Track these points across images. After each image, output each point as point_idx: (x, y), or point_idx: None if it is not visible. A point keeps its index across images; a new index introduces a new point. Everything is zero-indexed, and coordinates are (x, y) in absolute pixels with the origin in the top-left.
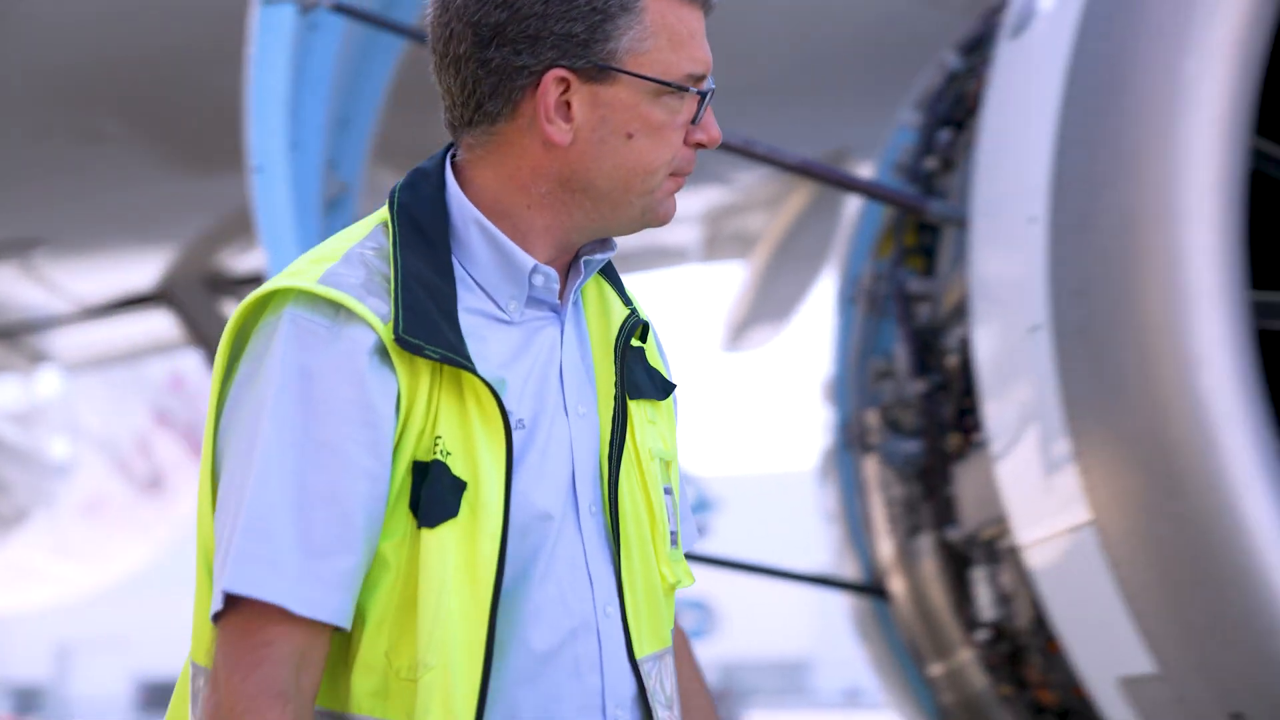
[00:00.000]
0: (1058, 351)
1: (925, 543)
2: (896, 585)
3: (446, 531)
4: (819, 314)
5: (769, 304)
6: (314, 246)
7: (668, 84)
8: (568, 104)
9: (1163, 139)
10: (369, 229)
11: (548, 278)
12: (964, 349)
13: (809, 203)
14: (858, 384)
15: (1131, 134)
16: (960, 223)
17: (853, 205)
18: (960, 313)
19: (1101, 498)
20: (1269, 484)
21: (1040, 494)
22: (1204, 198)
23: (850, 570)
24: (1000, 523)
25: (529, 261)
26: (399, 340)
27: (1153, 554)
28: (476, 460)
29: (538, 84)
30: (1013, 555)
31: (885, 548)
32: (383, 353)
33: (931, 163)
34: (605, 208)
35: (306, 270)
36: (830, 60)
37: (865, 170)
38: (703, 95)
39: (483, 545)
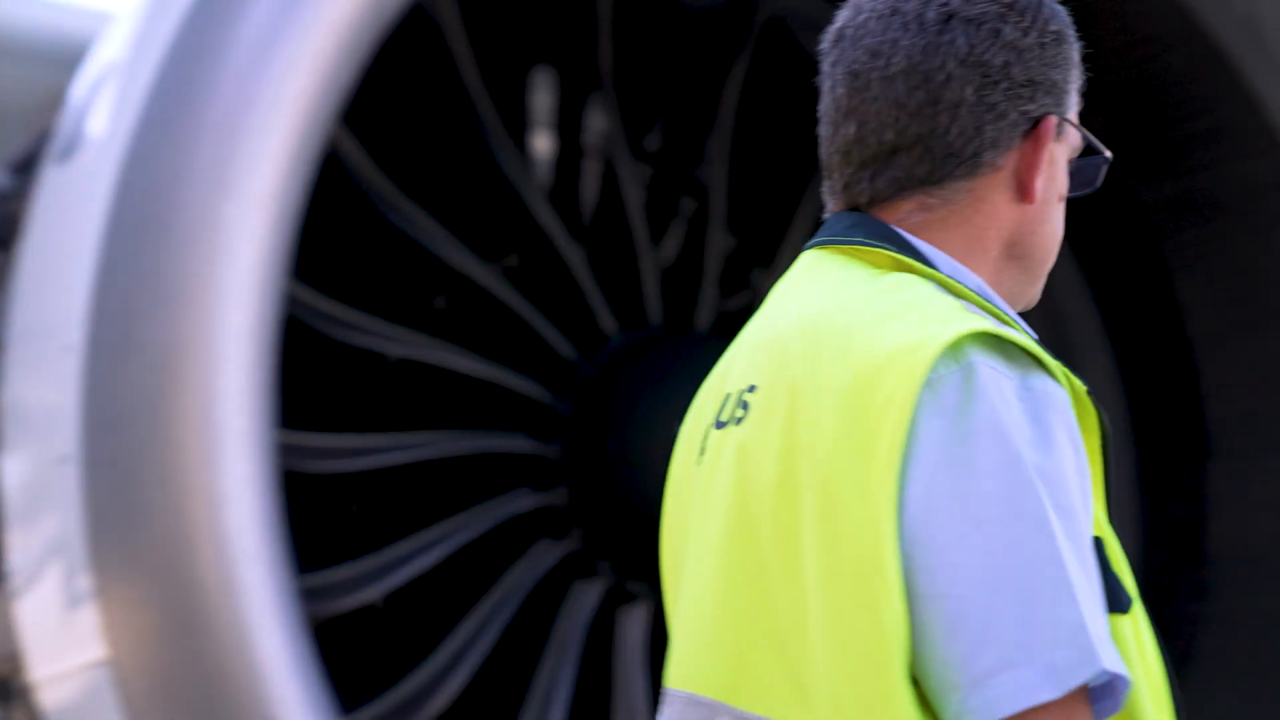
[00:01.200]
0: (86, 484)
1: None
2: None
3: (1127, 617)
4: None
5: None
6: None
7: (1101, 150)
8: None
9: (201, 280)
10: (928, 285)
11: None
12: None
13: None
14: None
15: (172, 272)
16: None
17: None
18: None
19: (120, 635)
20: (283, 622)
21: (58, 630)
22: (239, 341)
23: None
24: (16, 659)
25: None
26: (1090, 396)
27: (168, 692)
28: (1105, 530)
29: (1027, 133)
30: (26, 693)
31: None
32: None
33: None
34: (1024, 280)
35: (962, 319)
36: None
37: None
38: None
39: (1145, 627)
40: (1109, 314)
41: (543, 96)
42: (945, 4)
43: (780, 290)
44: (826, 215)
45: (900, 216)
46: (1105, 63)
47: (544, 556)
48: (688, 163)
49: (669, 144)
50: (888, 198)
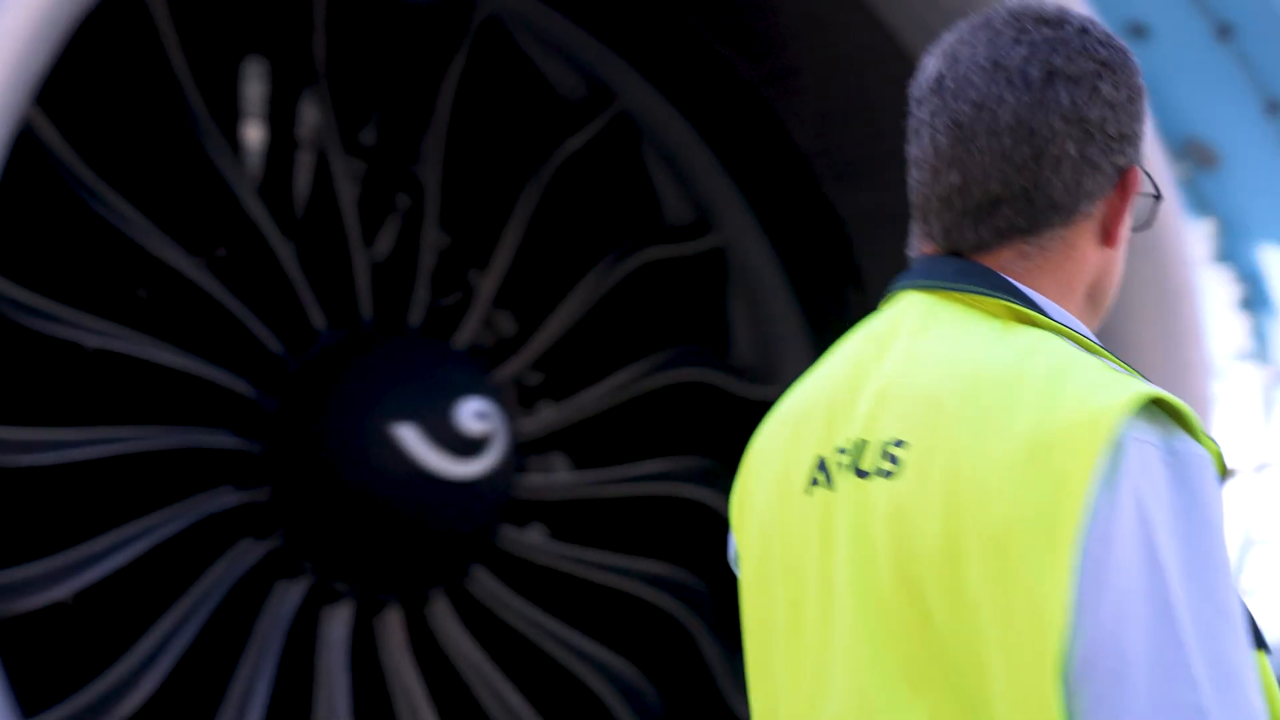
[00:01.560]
0: None
1: None
2: None
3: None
4: None
5: None
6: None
7: (1160, 191)
8: None
9: None
10: (1061, 340)
11: None
12: None
13: None
14: None
15: None
16: None
17: None
18: None
19: None
20: None
21: None
22: None
23: None
24: None
25: None
26: (1221, 456)
27: None
28: None
29: (1114, 182)
30: None
31: None
32: None
33: None
34: (1092, 318)
35: (1117, 387)
36: None
37: None
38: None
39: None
40: (812, 319)
41: (254, 87)
42: (1047, 60)
43: (897, 333)
44: (915, 255)
45: (1002, 264)
46: (812, 82)
47: (245, 555)
48: (403, 159)
49: (384, 140)
50: (990, 245)
